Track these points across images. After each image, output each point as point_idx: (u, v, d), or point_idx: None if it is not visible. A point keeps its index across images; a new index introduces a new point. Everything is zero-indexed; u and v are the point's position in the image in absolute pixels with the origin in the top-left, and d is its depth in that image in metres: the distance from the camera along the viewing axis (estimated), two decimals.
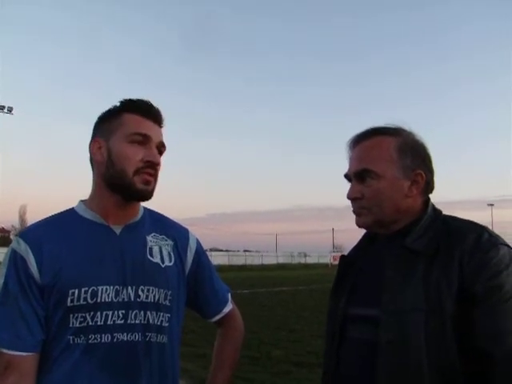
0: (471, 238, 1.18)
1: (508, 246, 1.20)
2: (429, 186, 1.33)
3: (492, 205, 70.25)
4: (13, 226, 72.46)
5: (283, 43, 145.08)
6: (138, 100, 1.35)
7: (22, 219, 71.22)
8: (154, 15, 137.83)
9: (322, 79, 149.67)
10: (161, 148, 1.35)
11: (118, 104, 1.35)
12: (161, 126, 1.37)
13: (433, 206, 1.33)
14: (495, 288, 1.12)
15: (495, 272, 1.13)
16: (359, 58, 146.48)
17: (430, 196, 1.36)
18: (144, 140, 1.30)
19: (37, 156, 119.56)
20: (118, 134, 1.30)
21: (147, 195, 1.32)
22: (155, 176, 1.32)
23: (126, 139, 1.29)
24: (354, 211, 1.35)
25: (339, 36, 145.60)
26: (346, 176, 1.37)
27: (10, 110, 38.11)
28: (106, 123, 1.34)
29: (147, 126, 1.32)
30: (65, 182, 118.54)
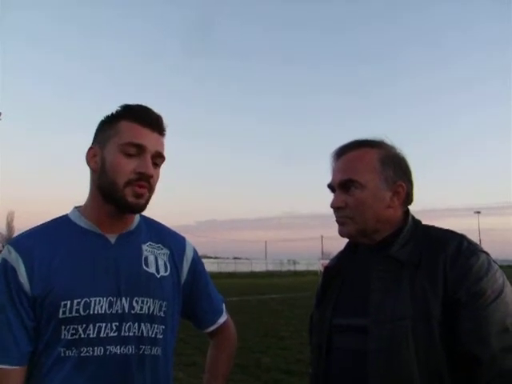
0: (452, 246, 1.23)
1: (485, 252, 1.25)
2: (409, 198, 1.37)
3: (479, 212, 70.99)
4: (0, 234, 71.69)
5: (281, 53, 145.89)
6: (136, 106, 1.29)
7: (10, 226, 70.30)
8: (151, 21, 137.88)
9: (311, 90, 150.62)
10: (156, 159, 1.29)
11: (116, 110, 1.30)
12: (161, 134, 1.30)
13: (412, 216, 1.37)
14: (478, 293, 1.17)
15: (477, 278, 1.18)
16: (356, 67, 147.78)
17: (411, 206, 1.39)
18: (138, 150, 1.24)
19: (25, 162, 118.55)
20: (113, 142, 1.26)
21: (138, 208, 1.28)
22: (149, 188, 1.27)
23: (119, 149, 1.24)
24: (338, 220, 1.37)
25: (337, 46, 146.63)
26: (330, 186, 1.40)
27: None
28: (103, 130, 1.30)
29: (143, 135, 1.25)
30: (53, 189, 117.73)
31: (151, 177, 1.26)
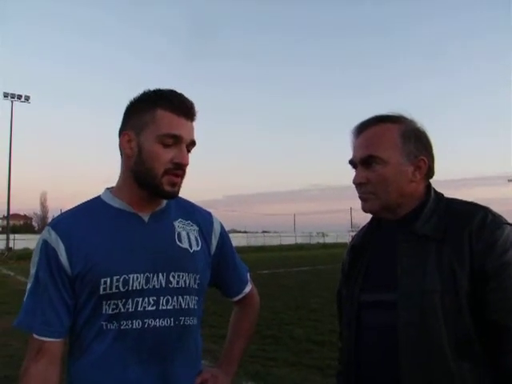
0: (477, 219, 1.24)
1: (510, 224, 1.27)
2: (430, 171, 1.38)
3: None
4: (35, 214, 73.90)
5: (278, 24, 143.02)
6: (171, 94, 1.31)
7: (43, 206, 72.52)
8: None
9: (331, 59, 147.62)
10: (190, 146, 1.34)
11: (151, 95, 1.32)
12: (193, 121, 1.34)
13: (434, 189, 1.38)
14: (504, 265, 1.19)
15: (503, 250, 1.20)
16: (364, 37, 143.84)
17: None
18: (175, 141, 1.29)
19: (55, 143, 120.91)
20: (150, 131, 1.29)
21: (174, 196, 1.35)
22: (183, 175, 1.33)
23: (158, 139, 1.28)
24: (360, 197, 1.39)
25: (336, 16, 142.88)
26: (351, 162, 1.41)
27: (27, 98, 38.45)
28: (137, 116, 1.32)
29: (180, 126, 1.29)
30: (83, 168, 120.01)
31: (187, 165, 1.32)
